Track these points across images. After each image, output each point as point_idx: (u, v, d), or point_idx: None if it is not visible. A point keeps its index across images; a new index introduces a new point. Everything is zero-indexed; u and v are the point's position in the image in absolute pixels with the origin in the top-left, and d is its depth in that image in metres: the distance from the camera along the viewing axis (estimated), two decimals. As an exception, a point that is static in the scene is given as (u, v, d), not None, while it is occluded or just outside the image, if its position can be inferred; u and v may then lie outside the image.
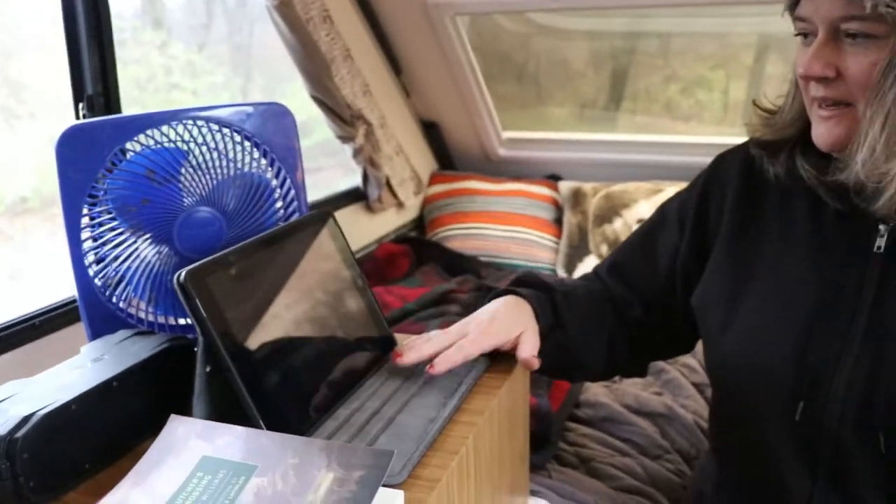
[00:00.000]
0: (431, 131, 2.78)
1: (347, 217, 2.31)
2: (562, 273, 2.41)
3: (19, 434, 0.67)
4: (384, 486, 0.67)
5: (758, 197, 1.02)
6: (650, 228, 1.15)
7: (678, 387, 1.66)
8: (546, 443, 1.40)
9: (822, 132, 0.88)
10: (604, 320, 1.11)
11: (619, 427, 1.51)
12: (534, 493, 1.22)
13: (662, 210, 1.15)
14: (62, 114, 1.75)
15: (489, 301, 1.04)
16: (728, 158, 1.08)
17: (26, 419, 0.69)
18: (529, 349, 0.97)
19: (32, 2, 1.68)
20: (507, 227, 2.51)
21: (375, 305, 1.00)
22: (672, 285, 1.10)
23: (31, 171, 1.77)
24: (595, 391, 1.62)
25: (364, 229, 2.43)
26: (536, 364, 0.97)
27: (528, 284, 1.08)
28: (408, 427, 0.81)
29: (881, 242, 0.90)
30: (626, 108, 2.74)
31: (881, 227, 0.90)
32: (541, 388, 1.47)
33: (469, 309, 1.93)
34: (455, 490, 0.77)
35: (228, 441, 0.70)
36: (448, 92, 2.58)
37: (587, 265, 2.37)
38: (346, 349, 0.91)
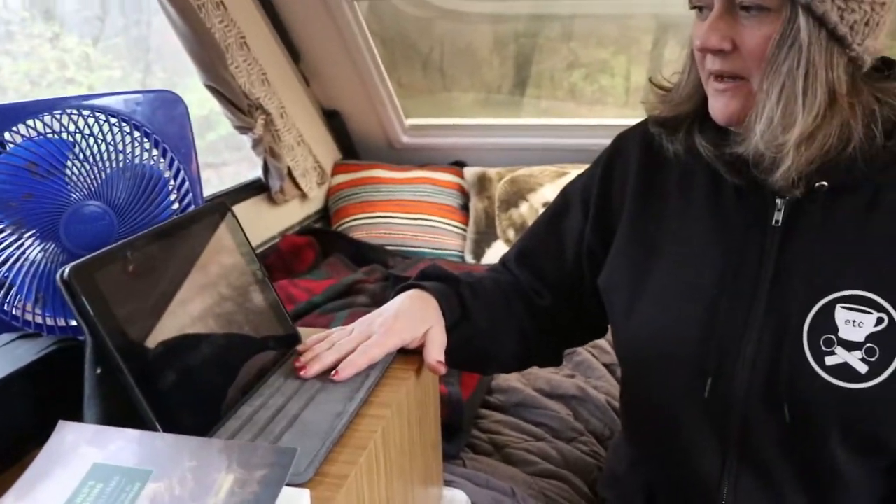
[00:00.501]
0: (333, 120, 2.74)
1: (249, 209, 2.25)
2: (470, 259, 2.41)
3: None
4: (289, 485, 0.65)
5: (658, 175, 1.02)
6: (554, 213, 1.15)
7: (589, 368, 1.68)
8: (458, 431, 1.39)
9: (719, 106, 0.89)
10: (513, 311, 1.10)
11: (532, 412, 1.52)
12: (448, 483, 1.21)
13: (565, 193, 1.14)
14: None
15: (394, 295, 1.02)
16: (628, 137, 1.08)
17: None
18: (436, 351, 0.96)
19: None
20: (412, 215, 2.49)
21: (277, 300, 0.97)
22: (579, 269, 1.10)
23: None
24: (507, 377, 1.62)
25: (267, 222, 2.37)
26: (442, 370, 0.96)
27: (433, 277, 1.07)
28: (313, 423, 0.78)
29: (778, 216, 0.91)
30: (532, 94, 2.75)
31: (778, 200, 0.91)
32: (451, 377, 1.46)
33: (376, 299, 1.92)
34: (364, 486, 0.75)
35: (121, 446, 0.66)
36: (349, 79, 2.54)
37: (495, 250, 2.37)
38: (247, 346, 0.88)
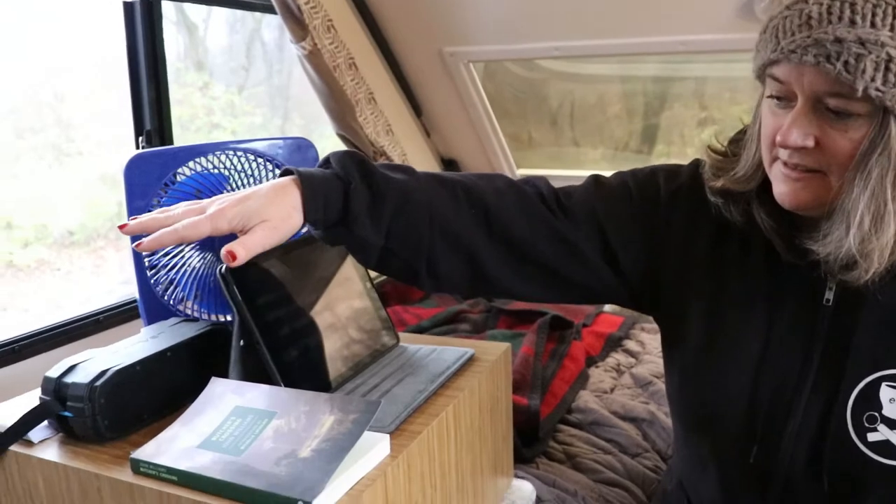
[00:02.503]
0: (451, 168, 3.00)
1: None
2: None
3: (98, 383, 0.88)
4: (377, 431, 0.87)
5: (722, 236, 1.03)
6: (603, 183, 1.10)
7: (663, 397, 1.83)
8: (536, 440, 1.58)
9: (789, 193, 0.89)
10: (458, 217, 0.99)
11: (604, 429, 1.68)
12: (520, 477, 1.39)
13: (622, 177, 1.10)
14: (106, 152, 1.94)
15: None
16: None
17: (103, 373, 0.90)
18: (242, 244, 0.85)
19: (79, 52, 1.86)
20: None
21: (380, 304, 1.20)
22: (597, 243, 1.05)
23: (77, 207, 1.93)
24: (586, 399, 1.79)
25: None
26: (231, 260, 0.84)
27: (332, 164, 0.94)
28: (400, 395, 1.01)
29: (829, 295, 0.95)
30: (660, 152, 2.83)
31: (829, 278, 0.94)
32: (535, 392, 1.65)
33: (477, 328, 2.13)
34: (435, 445, 0.96)
35: (255, 395, 0.90)
36: (465, 132, 2.81)
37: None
38: (353, 337, 1.11)
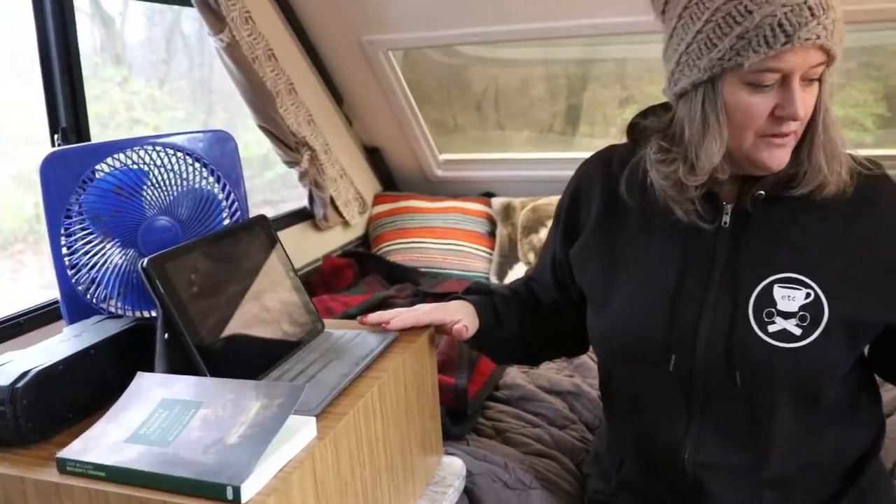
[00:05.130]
0: (374, 156, 3.03)
1: (296, 234, 2.54)
2: (493, 279, 2.65)
3: (19, 385, 0.89)
4: (303, 415, 0.90)
5: (619, 196, 1.21)
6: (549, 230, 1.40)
7: (587, 368, 1.90)
8: (464, 418, 1.62)
9: (781, 156, 1.07)
10: (536, 315, 1.35)
11: (532, 404, 1.74)
12: (450, 454, 1.43)
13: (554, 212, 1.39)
14: (21, 151, 1.89)
15: None
16: (591, 164, 1.30)
17: (24, 374, 0.90)
18: (463, 324, 1.25)
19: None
20: (444, 240, 2.75)
21: (305, 293, 1.22)
22: (556, 275, 1.34)
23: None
24: (513, 375, 1.85)
25: (312, 245, 2.65)
26: (465, 333, 1.26)
27: (474, 292, 1.36)
28: (325, 380, 1.03)
29: (726, 219, 1.14)
30: (584, 132, 2.91)
31: (726, 205, 1.14)
32: (462, 371, 1.69)
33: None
34: (362, 425, 0.99)
35: (182, 387, 0.92)
36: (387, 120, 2.83)
37: (516, 272, 2.61)
38: (278, 326, 1.13)
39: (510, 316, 1.32)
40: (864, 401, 1.23)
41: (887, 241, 1.12)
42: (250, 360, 1.05)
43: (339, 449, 0.93)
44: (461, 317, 1.26)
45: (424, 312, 1.25)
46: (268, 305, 1.13)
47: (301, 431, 0.87)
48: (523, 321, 1.34)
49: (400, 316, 1.23)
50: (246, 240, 1.15)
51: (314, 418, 0.90)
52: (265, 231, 1.20)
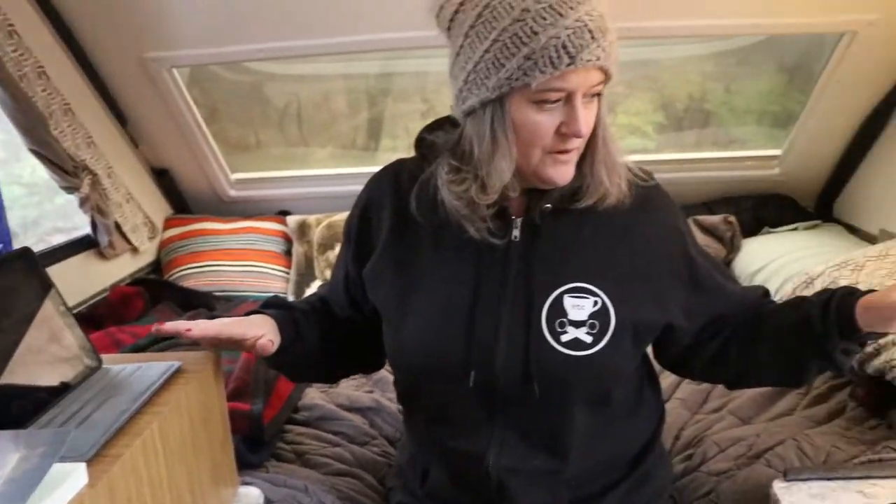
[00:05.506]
0: (163, 178, 2.90)
1: (79, 264, 2.38)
2: (292, 298, 2.62)
3: None
4: (72, 461, 0.84)
5: (410, 211, 1.21)
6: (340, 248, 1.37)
7: (386, 383, 1.92)
8: (262, 444, 1.59)
9: (565, 171, 1.11)
10: (333, 331, 1.31)
11: (332, 423, 1.73)
12: (247, 483, 1.40)
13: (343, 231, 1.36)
14: None
15: None
16: (381, 180, 1.28)
17: None
18: (268, 338, 1.16)
19: None
20: (239, 262, 2.69)
21: (78, 328, 1.15)
22: (349, 293, 1.32)
23: None
24: (312, 395, 1.83)
25: (98, 275, 2.50)
26: (270, 348, 1.15)
27: (273, 306, 1.29)
28: (101, 419, 0.98)
29: (516, 232, 1.17)
30: (386, 146, 2.93)
31: (516, 219, 1.17)
32: (257, 397, 1.65)
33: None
34: (142, 465, 0.95)
35: (-69, 442, 0.84)
36: (175, 140, 2.72)
37: (314, 289, 2.59)
38: (47, 367, 1.06)
39: (310, 330, 1.29)
40: (647, 393, 1.33)
41: (659, 246, 1.21)
42: (15, 408, 0.97)
43: (115, 494, 0.88)
44: (264, 331, 1.17)
45: (225, 324, 1.16)
46: (34, 346, 1.05)
47: (69, 480, 0.82)
48: (323, 337, 1.31)
49: (200, 326, 1.14)
50: (7, 276, 1.07)
51: (83, 464, 0.85)
52: (29, 265, 1.12)
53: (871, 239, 2.50)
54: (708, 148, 2.88)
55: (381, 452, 1.67)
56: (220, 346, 1.21)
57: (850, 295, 1.17)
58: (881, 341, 1.54)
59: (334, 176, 2.88)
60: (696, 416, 1.69)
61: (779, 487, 1.27)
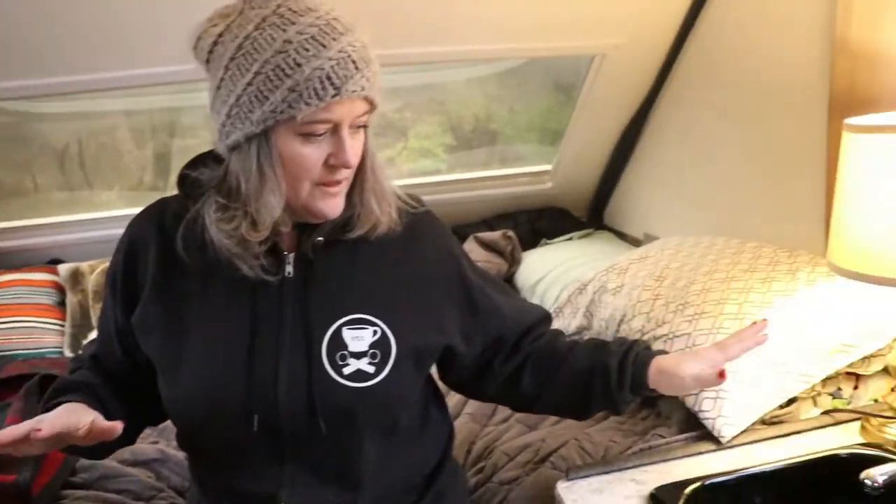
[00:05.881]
0: None
1: None
2: (68, 353, 2.45)
3: None
4: None
5: (176, 253, 1.14)
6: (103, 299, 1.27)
7: (171, 431, 1.83)
8: (30, 515, 1.47)
9: (337, 204, 1.11)
10: (119, 393, 1.21)
11: (114, 481, 1.62)
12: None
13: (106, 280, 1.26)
14: None
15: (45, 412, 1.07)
16: (143, 220, 1.20)
17: None
18: (110, 423, 1.02)
19: None
20: (8, 318, 2.46)
21: None
22: (125, 344, 1.21)
23: None
24: (92, 455, 1.71)
25: None
26: (120, 427, 1.01)
27: (67, 391, 1.16)
28: None
29: (290, 268, 1.15)
30: (175, 184, 2.77)
31: (288, 255, 1.15)
32: (25, 466, 1.52)
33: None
34: None
35: None
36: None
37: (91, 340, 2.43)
38: None
39: (111, 402, 1.19)
40: (433, 413, 1.34)
41: (434, 271, 1.23)
42: None
43: None
44: (92, 415, 1.03)
45: (51, 420, 0.98)
46: None
47: None
48: (121, 405, 1.21)
49: (49, 421, 0.97)
50: None
51: None
52: None
53: (637, 243, 2.69)
54: (496, 166, 3.00)
55: (170, 504, 1.59)
56: (54, 446, 1.02)
57: (647, 350, 1.26)
58: (645, 337, 1.65)
59: (107, 219, 2.71)
60: (486, 429, 1.74)
61: (561, 487, 1.33)
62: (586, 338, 1.52)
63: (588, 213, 3.12)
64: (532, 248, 2.84)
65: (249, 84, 1.02)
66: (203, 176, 1.14)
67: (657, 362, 1.24)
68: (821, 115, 1.76)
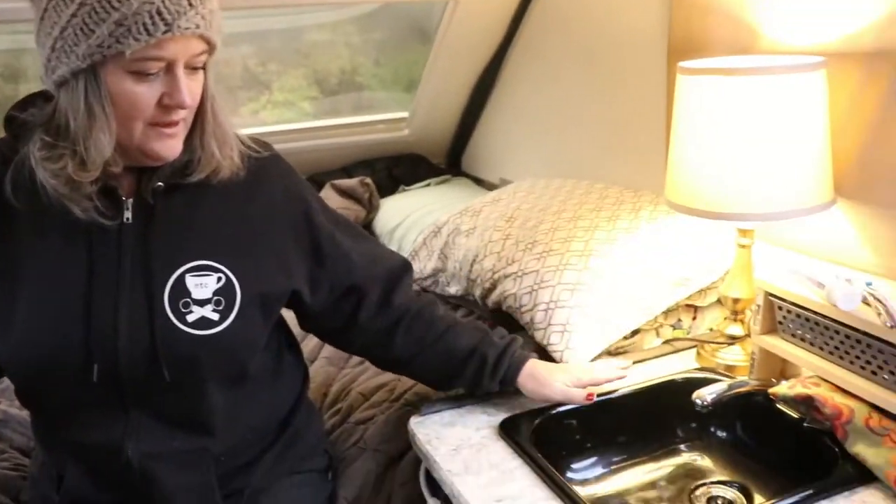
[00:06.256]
0: None
1: None
2: None
3: None
4: None
5: (4, 195, 1.09)
6: None
7: (12, 390, 1.73)
8: None
9: (171, 145, 1.07)
10: None
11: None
12: None
13: None
14: None
15: None
16: None
17: None
18: None
19: None
20: None
21: None
22: None
23: None
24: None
25: None
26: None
27: None
28: None
29: (128, 214, 1.11)
30: None
31: (128, 201, 1.11)
32: None
33: None
34: None
35: None
36: None
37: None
38: None
39: None
40: (287, 358, 1.34)
41: (280, 216, 1.22)
42: None
43: None
44: None
45: None
46: None
47: None
48: None
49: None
50: None
51: None
52: None
53: (493, 188, 2.72)
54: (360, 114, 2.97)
55: (12, 466, 1.50)
56: None
57: (524, 351, 1.36)
58: (495, 276, 1.70)
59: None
60: (343, 371, 1.74)
61: (414, 423, 1.36)
62: (465, 317, 1.62)
63: (446, 159, 3.14)
64: (390, 195, 2.85)
65: (73, 16, 0.97)
66: (33, 117, 1.09)
67: (531, 367, 1.33)
68: (661, 61, 1.84)
